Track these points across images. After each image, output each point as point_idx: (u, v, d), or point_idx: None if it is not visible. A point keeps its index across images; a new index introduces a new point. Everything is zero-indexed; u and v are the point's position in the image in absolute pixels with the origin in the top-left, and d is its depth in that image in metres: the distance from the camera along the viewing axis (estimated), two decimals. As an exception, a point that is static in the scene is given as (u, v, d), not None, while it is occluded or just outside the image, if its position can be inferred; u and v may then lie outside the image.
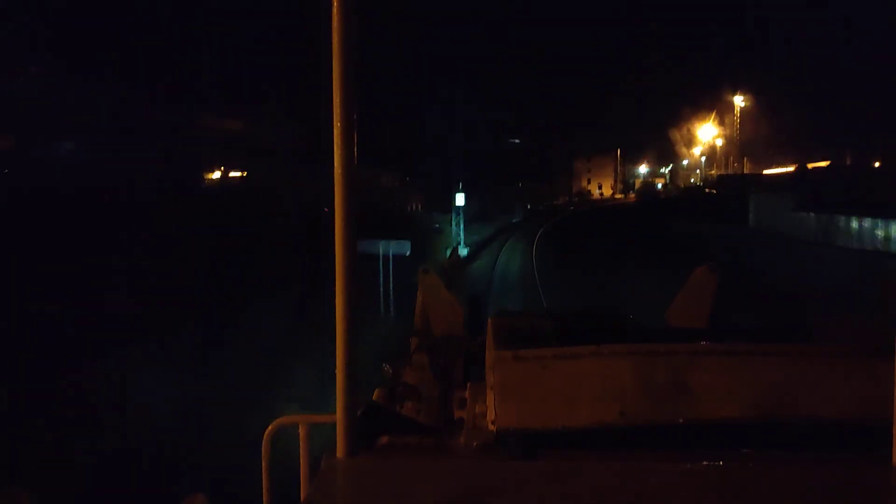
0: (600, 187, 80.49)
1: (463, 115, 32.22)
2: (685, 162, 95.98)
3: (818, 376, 1.94)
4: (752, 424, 1.87)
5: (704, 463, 1.76)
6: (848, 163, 68.00)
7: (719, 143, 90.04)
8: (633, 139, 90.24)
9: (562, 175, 73.35)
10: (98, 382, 10.99)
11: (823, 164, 65.54)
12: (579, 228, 41.73)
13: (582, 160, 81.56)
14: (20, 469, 7.67)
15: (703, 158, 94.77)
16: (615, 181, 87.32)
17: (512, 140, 54.11)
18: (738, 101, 76.71)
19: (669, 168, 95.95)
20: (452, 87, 30.62)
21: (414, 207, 39.84)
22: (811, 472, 1.70)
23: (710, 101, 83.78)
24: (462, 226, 31.46)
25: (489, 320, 2.71)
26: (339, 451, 1.80)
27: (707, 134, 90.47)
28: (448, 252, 27.74)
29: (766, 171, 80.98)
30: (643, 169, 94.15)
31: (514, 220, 49.96)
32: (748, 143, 79.90)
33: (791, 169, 67.58)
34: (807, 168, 66.02)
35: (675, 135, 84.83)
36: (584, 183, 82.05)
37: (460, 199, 31.34)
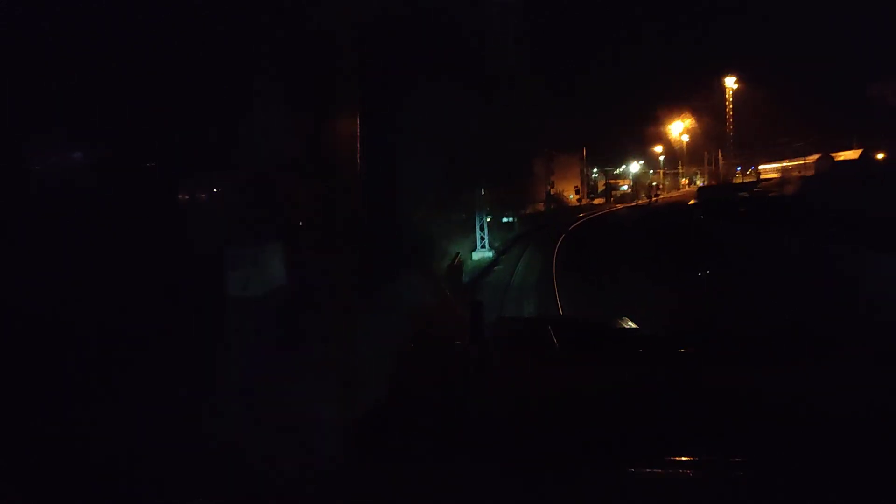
0: (578, 191, 67.54)
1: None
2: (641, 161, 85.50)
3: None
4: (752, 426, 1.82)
5: (703, 466, 1.68)
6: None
7: (685, 138, 79.65)
8: (600, 135, 77.87)
9: (529, 177, 59.07)
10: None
11: (851, 153, 53.66)
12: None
13: (544, 159, 67.34)
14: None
15: (662, 158, 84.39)
16: (582, 183, 74.42)
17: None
18: (730, 83, 64.47)
19: (623, 168, 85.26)
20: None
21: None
22: (811, 472, 1.62)
23: (688, 90, 72.45)
24: None
25: (492, 325, 3.09)
26: (342, 456, 1.90)
27: (678, 128, 79.48)
28: None
29: (762, 166, 69.79)
30: (634, 167, 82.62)
31: (476, 257, 26.29)
32: (739, 133, 68.21)
33: (808, 160, 55.97)
34: (833, 158, 54.22)
35: (661, 126, 72.90)
36: (548, 186, 68.01)
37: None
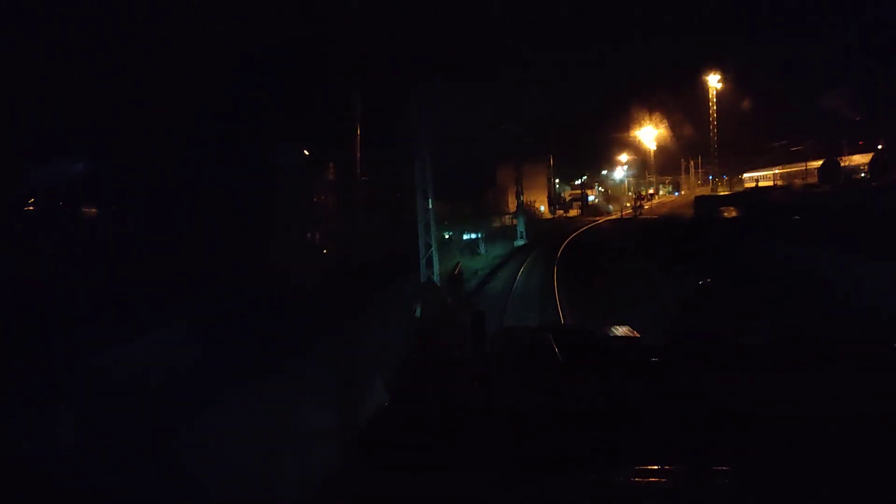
0: (551, 202, 60.34)
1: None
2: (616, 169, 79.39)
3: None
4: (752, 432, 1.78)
5: (702, 469, 1.65)
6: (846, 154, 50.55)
7: (653, 147, 73.88)
8: (564, 143, 71.06)
9: (492, 187, 51.46)
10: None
11: (860, 157, 47.64)
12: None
13: (508, 169, 59.58)
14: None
15: (626, 168, 78.89)
16: (550, 194, 67.60)
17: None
18: (714, 81, 58.26)
19: (585, 178, 79.13)
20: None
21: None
22: (807, 476, 1.59)
23: (662, 94, 66.40)
24: None
25: (493, 335, 2.91)
26: (343, 465, 1.91)
27: (648, 135, 73.60)
28: None
29: (746, 175, 63.91)
30: (619, 174, 76.65)
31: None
32: (722, 138, 62.05)
33: (811, 165, 49.71)
34: (839, 163, 48.19)
35: (630, 133, 66.78)
36: (511, 198, 60.22)
37: None
